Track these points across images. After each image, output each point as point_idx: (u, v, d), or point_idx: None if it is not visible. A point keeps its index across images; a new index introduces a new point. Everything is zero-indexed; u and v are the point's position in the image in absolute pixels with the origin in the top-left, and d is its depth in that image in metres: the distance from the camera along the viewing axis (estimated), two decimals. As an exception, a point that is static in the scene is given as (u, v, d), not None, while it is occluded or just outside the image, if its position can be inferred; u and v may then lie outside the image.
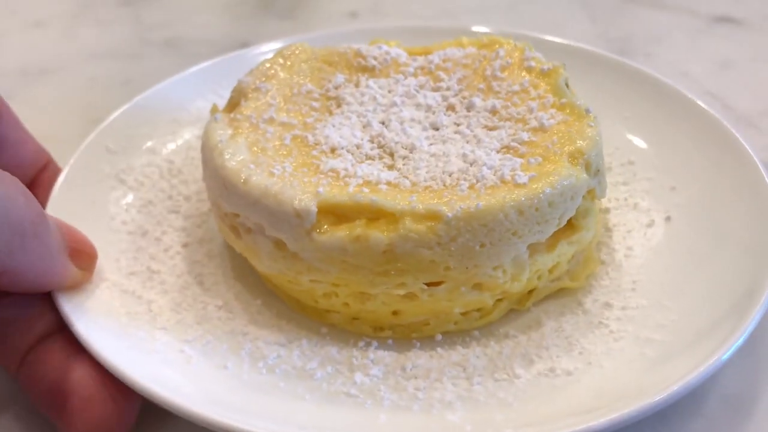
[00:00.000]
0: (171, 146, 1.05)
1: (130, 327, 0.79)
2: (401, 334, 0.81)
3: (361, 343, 0.80)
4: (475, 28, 1.16)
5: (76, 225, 0.89)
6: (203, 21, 1.52)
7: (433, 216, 0.73)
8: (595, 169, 0.81)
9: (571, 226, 0.81)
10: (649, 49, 1.35)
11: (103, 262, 0.86)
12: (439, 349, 0.79)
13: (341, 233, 0.74)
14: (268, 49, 1.14)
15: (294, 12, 1.52)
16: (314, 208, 0.74)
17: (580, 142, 0.80)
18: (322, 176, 0.79)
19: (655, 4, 1.50)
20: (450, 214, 0.73)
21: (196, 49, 1.40)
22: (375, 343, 0.80)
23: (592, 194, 0.82)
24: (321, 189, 0.76)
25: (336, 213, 0.75)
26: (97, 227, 0.90)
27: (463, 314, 0.80)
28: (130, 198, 0.97)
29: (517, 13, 1.49)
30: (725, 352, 0.69)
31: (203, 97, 1.10)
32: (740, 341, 0.70)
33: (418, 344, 0.80)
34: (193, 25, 1.50)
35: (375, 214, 0.75)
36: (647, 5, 1.49)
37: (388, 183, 0.78)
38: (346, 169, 0.79)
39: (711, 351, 0.70)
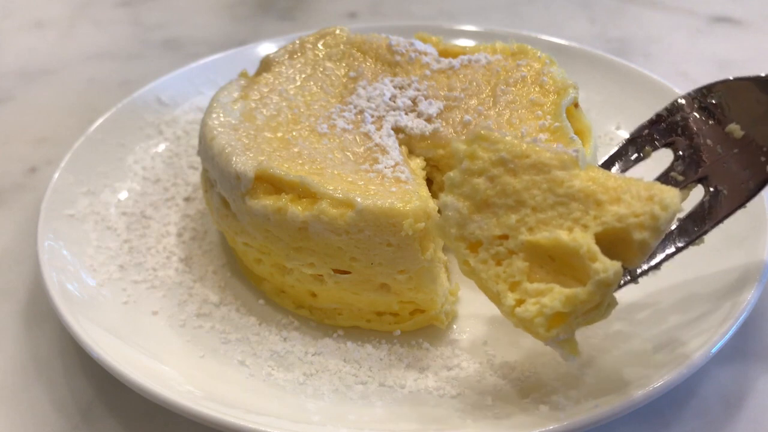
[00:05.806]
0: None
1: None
2: (317, 317, 0.82)
3: (285, 321, 0.83)
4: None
5: (93, 167, 0.97)
6: (202, 21, 1.52)
7: (347, 204, 0.74)
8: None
9: None
10: (647, 49, 1.34)
11: (97, 253, 0.88)
12: (349, 343, 0.80)
13: (267, 202, 0.77)
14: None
15: (293, 12, 1.53)
16: (251, 174, 0.77)
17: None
18: (286, 153, 0.81)
19: (654, 4, 1.49)
20: (361, 205, 0.73)
21: (196, 50, 1.40)
22: (296, 323, 0.82)
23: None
24: (267, 160, 0.79)
25: (274, 184, 0.78)
26: (117, 176, 0.99)
27: (378, 314, 0.80)
28: (161, 148, 1.04)
29: (517, 13, 1.48)
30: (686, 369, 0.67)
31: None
32: (710, 354, 0.68)
33: (336, 334, 0.81)
34: (192, 25, 1.51)
35: (304, 193, 0.76)
36: (646, 5, 1.48)
37: (340, 174, 0.78)
38: (311, 153, 0.81)
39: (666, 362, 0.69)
